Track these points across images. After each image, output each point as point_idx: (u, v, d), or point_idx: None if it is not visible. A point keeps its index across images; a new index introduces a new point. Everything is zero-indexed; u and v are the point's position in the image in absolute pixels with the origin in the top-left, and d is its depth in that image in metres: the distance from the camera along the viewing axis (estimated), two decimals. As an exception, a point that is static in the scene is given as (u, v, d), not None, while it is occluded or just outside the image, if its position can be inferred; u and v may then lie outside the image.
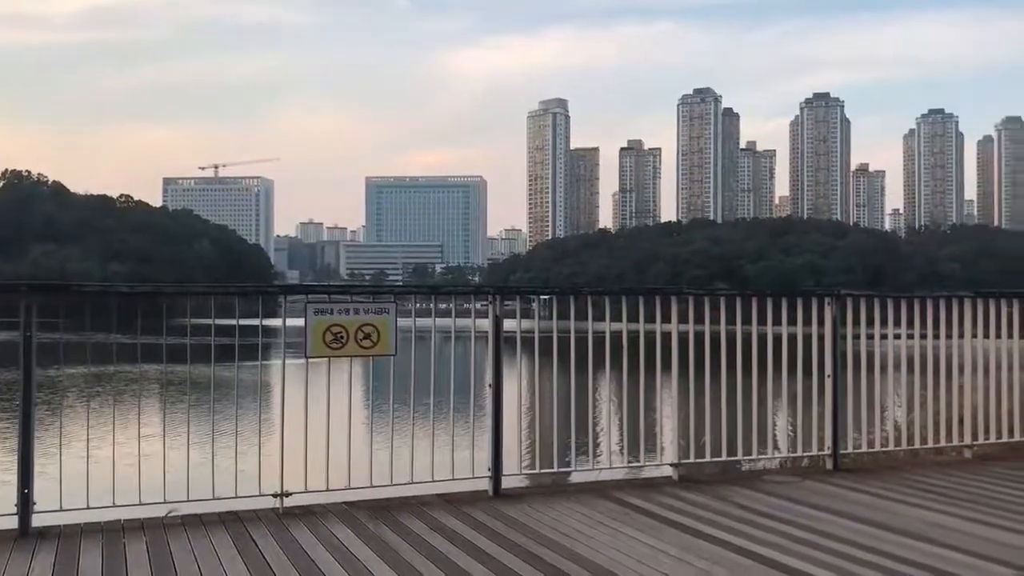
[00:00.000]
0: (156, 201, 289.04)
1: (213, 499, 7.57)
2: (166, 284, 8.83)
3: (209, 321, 7.81)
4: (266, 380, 8.45)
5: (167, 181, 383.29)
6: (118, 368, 8.64)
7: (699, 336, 9.71)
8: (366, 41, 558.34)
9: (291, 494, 7.69)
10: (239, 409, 8.33)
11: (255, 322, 8.36)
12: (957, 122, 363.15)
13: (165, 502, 7.38)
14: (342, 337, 7.75)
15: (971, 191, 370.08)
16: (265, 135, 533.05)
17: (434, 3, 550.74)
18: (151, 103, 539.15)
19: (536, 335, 8.98)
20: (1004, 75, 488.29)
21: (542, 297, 10.32)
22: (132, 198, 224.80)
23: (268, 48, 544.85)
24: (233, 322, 8.27)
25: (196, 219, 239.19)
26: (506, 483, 8.41)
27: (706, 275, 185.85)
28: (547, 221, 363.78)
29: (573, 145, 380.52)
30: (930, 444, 10.22)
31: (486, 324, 8.42)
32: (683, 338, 9.22)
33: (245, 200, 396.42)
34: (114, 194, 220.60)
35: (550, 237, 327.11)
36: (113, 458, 7.32)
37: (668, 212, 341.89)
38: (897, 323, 10.11)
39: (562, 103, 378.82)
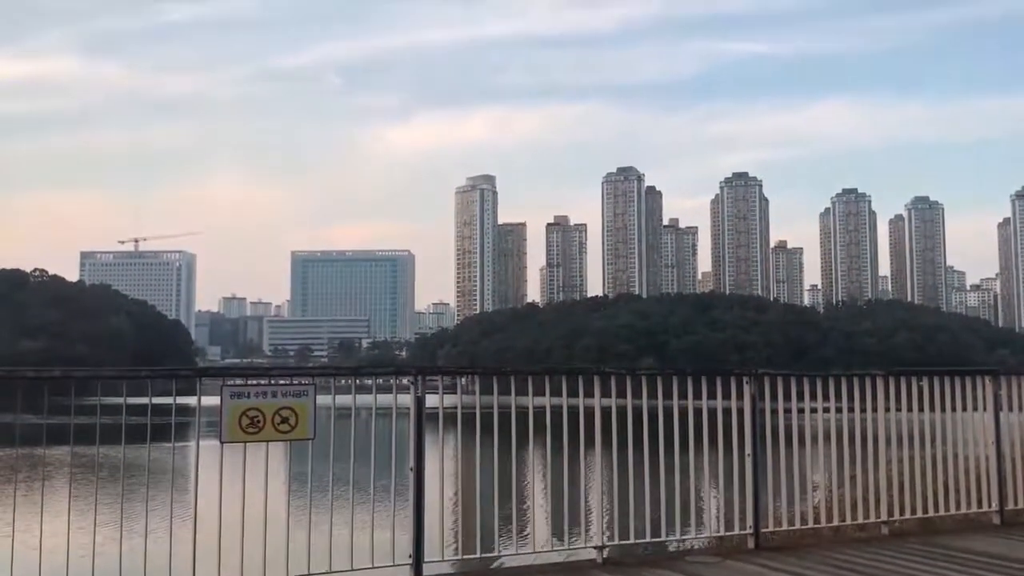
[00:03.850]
0: (73, 275, 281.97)
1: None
2: (75, 368, 8.49)
3: (121, 400, 7.58)
4: (181, 464, 8.19)
5: (84, 255, 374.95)
6: (24, 451, 8.28)
7: (623, 411, 9.77)
8: (295, 115, 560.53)
9: (203, 585, 7.41)
10: (153, 496, 8.00)
11: (169, 400, 8.12)
12: (870, 201, 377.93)
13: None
14: (259, 421, 7.56)
15: (885, 267, 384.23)
16: (189, 208, 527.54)
17: (366, 80, 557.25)
18: (71, 175, 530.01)
19: (459, 413, 8.91)
20: (910, 156, 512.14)
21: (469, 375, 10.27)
22: (47, 272, 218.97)
23: (194, 120, 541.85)
24: (146, 400, 8.00)
25: (114, 294, 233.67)
26: (428, 570, 8.23)
27: (633, 350, 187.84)
28: (475, 295, 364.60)
29: (501, 220, 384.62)
30: (848, 520, 10.37)
31: (409, 400, 8.33)
32: (607, 413, 9.27)
33: (166, 274, 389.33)
34: (28, 268, 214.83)
35: (478, 311, 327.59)
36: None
37: (595, 287, 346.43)
38: (814, 396, 10.34)
39: (489, 179, 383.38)
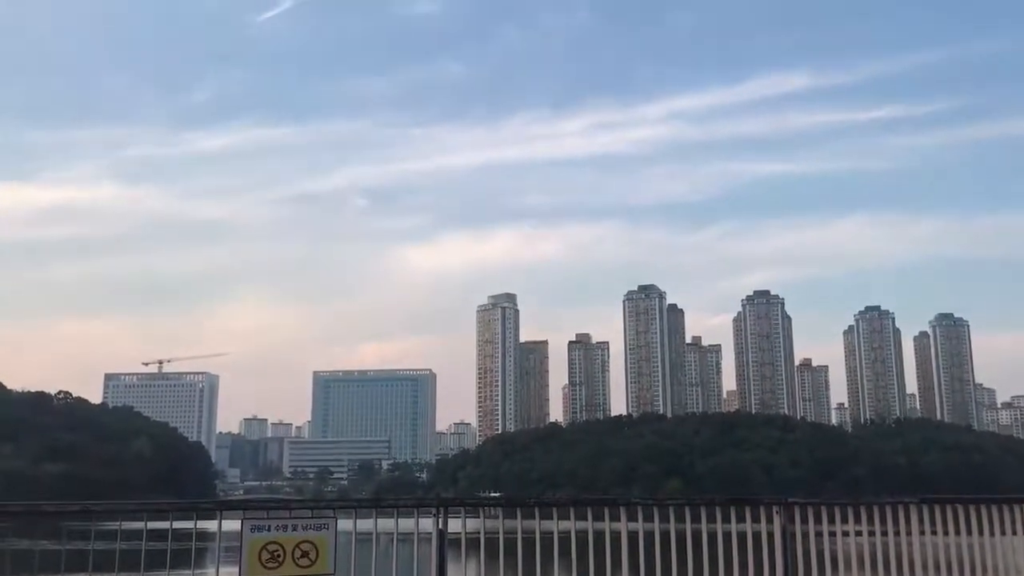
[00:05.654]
0: (97, 397, 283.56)
1: None
2: (95, 503, 8.43)
3: (141, 525, 7.50)
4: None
5: (109, 377, 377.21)
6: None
7: (651, 535, 9.54)
8: (320, 237, 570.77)
9: None
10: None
11: (189, 524, 8.04)
12: (893, 318, 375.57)
13: None
14: (279, 556, 7.39)
15: (912, 385, 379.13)
16: (214, 329, 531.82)
17: (390, 202, 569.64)
18: (99, 297, 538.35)
19: (482, 539, 8.75)
20: (932, 273, 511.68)
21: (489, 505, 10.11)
22: (71, 394, 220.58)
23: (220, 244, 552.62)
24: (167, 525, 7.94)
25: (136, 416, 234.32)
26: None
27: (658, 471, 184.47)
28: (497, 415, 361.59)
29: (522, 339, 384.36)
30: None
31: (430, 525, 8.21)
32: (634, 538, 9.06)
33: (189, 396, 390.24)
34: (53, 390, 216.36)
35: (500, 431, 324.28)
36: None
37: (618, 405, 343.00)
38: (845, 519, 10.10)
39: (511, 298, 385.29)
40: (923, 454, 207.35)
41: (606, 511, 9.11)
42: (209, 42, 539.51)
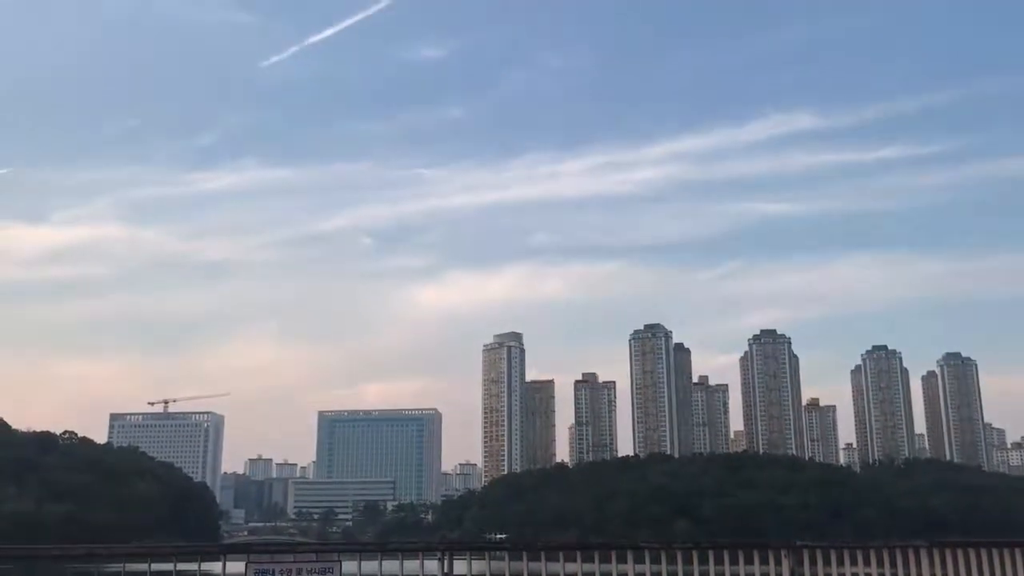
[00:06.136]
0: (102, 437, 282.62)
1: None
2: (99, 545, 8.52)
3: (145, 567, 7.52)
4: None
5: (114, 417, 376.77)
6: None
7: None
8: (326, 277, 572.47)
9: None
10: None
11: (194, 566, 8.06)
12: (901, 358, 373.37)
13: None
14: (284, 599, 7.38)
15: (920, 425, 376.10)
16: (219, 369, 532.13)
17: (396, 242, 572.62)
18: (104, 337, 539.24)
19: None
20: (939, 312, 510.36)
21: (496, 547, 10.08)
22: (76, 435, 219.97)
23: (227, 284, 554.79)
24: (171, 567, 7.95)
25: (141, 456, 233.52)
26: None
27: (666, 512, 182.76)
28: (503, 455, 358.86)
29: (528, 378, 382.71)
30: None
31: (436, 567, 8.18)
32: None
33: (194, 436, 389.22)
34: (58, 430, 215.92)
35: (506, 472, 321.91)
36: None
37: (625, 445, 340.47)
38: (854, 562, 10.04)
39: (516, 336, 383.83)
40: (933, 495, 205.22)
41: (613, 555, 9.09)
42: (216, 86, 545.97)
